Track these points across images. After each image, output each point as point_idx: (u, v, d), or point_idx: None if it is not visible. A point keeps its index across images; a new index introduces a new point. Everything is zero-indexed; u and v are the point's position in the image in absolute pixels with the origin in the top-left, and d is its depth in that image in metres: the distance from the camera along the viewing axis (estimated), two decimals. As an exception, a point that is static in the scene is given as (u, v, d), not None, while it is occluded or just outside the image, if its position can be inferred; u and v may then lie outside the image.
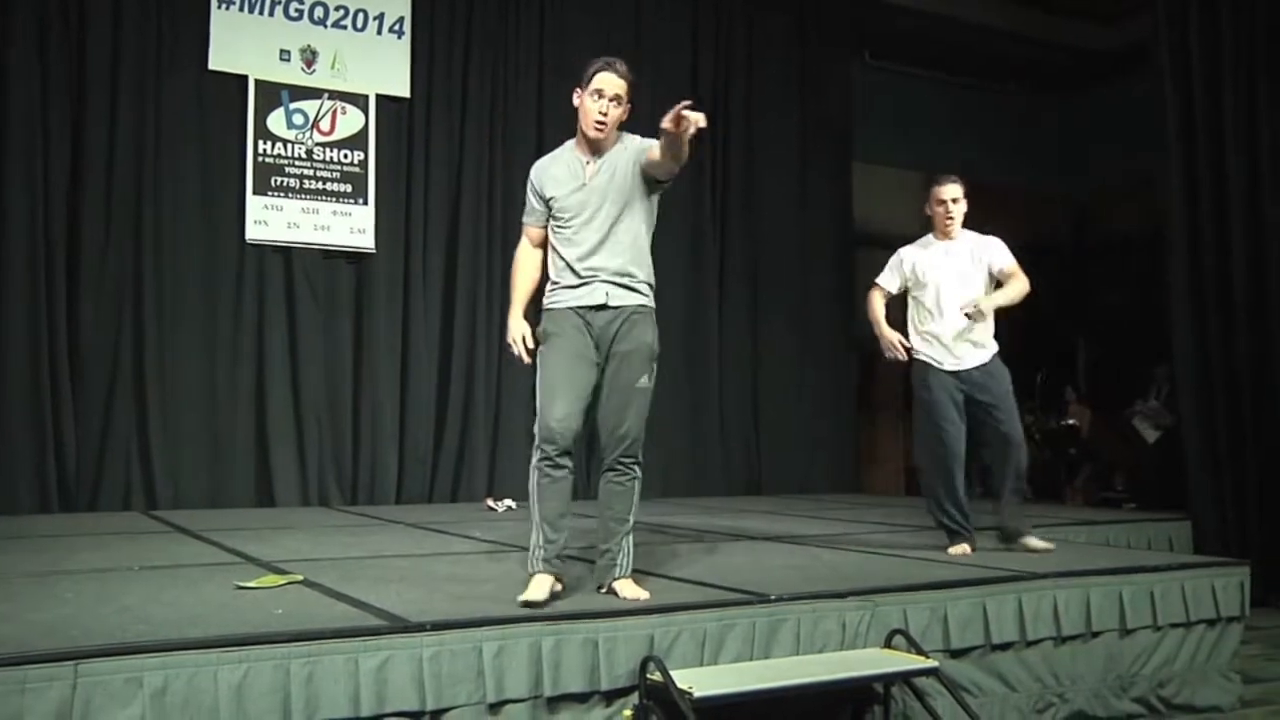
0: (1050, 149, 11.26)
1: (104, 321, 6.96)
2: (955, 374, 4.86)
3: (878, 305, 5.09)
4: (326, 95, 7.61)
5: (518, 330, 3.76)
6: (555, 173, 3.76)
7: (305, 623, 3.10)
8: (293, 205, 7.44)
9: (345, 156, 7.64)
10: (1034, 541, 4.91)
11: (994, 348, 4.91)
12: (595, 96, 3.65)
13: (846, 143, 9.78)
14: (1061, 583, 4.21)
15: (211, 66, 7.28)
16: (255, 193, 7.33)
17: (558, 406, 3.59)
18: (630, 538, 3.72)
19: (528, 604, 3.37)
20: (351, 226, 7.62)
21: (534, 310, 3.82)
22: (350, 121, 7.68)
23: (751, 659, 3.47)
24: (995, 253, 4.92)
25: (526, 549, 3.68)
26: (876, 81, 10.26)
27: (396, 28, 7.86)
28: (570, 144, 3.82)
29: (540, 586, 3.48)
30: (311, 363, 7.50)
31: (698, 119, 3.33)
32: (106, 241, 6.98)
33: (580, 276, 3.66)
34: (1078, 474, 9.74)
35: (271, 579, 3.89)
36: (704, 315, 8.96)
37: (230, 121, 7.35)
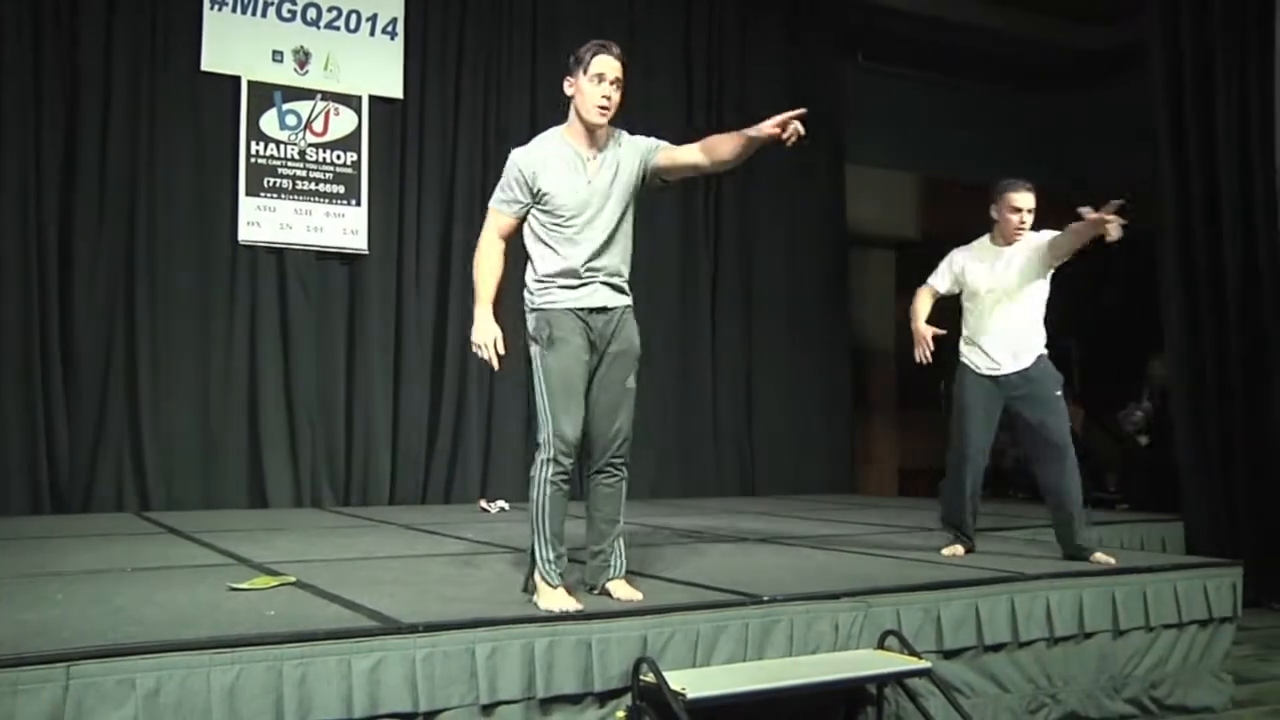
0: (1042, 149, 11.25)
1: (97, 323, 6.94)
2: (994, 379, 4.85)
3: (920, 302, 5.06)
4: (319, 96, 7.60)
5: (489, 333, 3.54)
6: (553, 165, 3.53)
7: (298, 624, 3.09)
8: (286, 206, 7.43)
9: (338, 157, 7.63)
10: (1101, 556, 4.71)
11: (1038, 351, 4.84)
12: (596, 80, 3.49)
13: (839, 143, 9.79)
14: (1054, 583, 4.22)
15: (204, 67, 7.25)
16: (248, 194, 7.31)
17: (572, 416, 3.48)
18: (622, 539, 3.71)
19: (568, 614, 3.30)
20: (344, 227, 7.61)
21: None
22: (343, 122, 7.67)
23: (745, 660, 3.47)
24: (1040, 236, 4.82)
25: (520, 550, 3.68)
26: (869, 82, 10.24)
27: (389, 29, 7.85)
28: (556, 132, 3.62)
29: (568, 595, 3.44)
30: (304, 364, 7.49)
31: (798, 130, 3.31)
32: (99, 244, 6.96)
33: (581, 277, 3.54)
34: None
35: (264, 580, 3.89)
36: (697, 315, 8.95)
37: (223, 123, 7.33)
